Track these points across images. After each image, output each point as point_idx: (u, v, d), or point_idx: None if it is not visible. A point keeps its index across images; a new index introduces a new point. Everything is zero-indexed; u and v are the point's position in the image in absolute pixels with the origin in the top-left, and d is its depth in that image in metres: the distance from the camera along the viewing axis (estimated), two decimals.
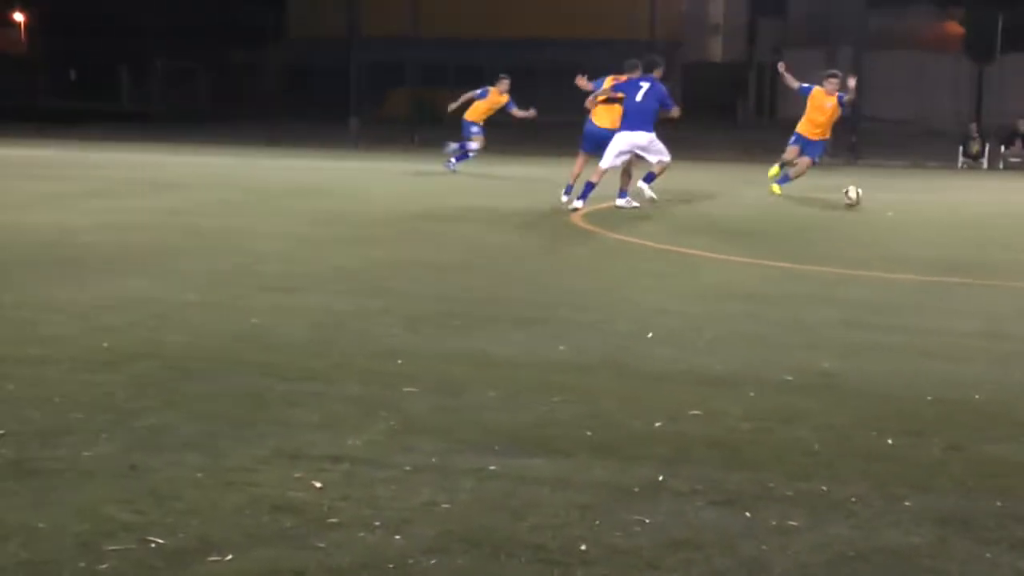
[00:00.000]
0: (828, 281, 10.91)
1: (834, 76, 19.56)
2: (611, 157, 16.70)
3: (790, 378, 6.98)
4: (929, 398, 6.58)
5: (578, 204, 16.42)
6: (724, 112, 54.46)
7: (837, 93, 19.01)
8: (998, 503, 4.88)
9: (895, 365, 7.42)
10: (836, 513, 4.74)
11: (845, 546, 4.41)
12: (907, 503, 4.86)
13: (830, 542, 4.45)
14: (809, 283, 10.80)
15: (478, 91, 24.10)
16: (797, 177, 19.55)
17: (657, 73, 17.01)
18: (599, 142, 17.14)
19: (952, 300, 10.02)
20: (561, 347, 7.71)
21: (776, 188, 19.72)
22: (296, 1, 61.45)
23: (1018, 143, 30.77)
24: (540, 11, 58.00)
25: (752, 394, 6.59)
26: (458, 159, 24.00)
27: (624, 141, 16.71)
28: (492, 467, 5.20)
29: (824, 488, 5.02)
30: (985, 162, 30.67)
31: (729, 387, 6.75)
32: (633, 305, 9.34)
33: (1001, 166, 30.46)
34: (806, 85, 19.51)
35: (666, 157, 16.96)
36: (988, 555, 4.35)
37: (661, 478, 5.10)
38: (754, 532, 4.53)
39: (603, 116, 17.32)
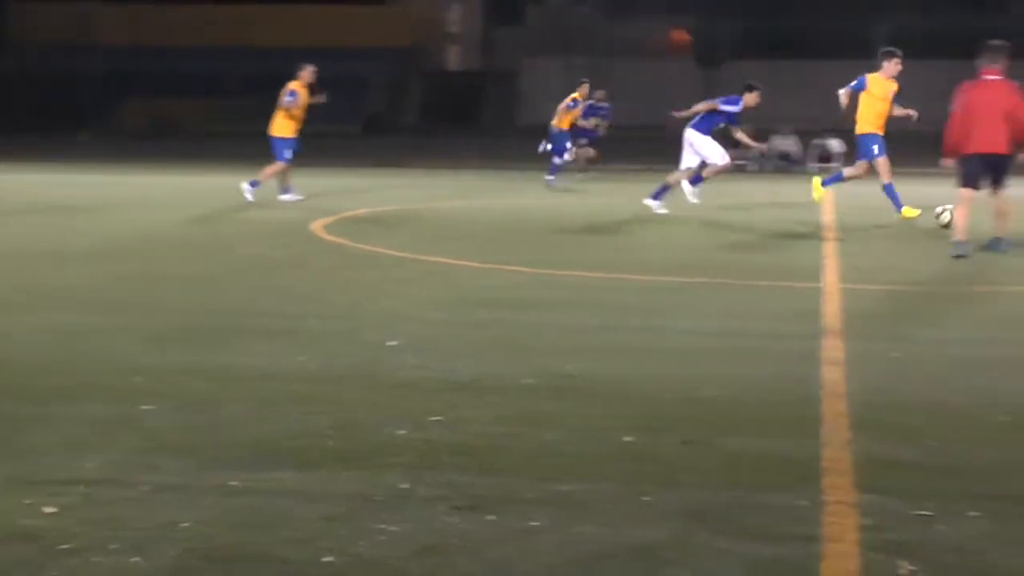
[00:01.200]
0: (575, 285, 11.08)
1: (893, 55, 16.58)
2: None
3: (535, 381, 7.05)
4: (669, 396, 6.74)
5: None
6: (464, 120, 54.97)
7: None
8: (733, 494, 5.02)
9: (636, 365, 7.58)
10: (580, 512, 4.81)
11: (590, 545, 4.48)
12: (649, 499, 4.96)
13: (575, 541, 4.50)
14: (555, 287, 10.95)
15: (568, 103, 25.20)
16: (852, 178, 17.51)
17: (748, 98, 17.71)
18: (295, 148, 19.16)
19: (692, 300, 10.29)
20: (308, 358, 7.62)
21: (911, 212, 16.46)
22: (20, 5, 59.03)
23: (739, 147, 31.99)
24: (282, 20, 57.51)
25: (497, 399, 6.64)
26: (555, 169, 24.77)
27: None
28: (236, 482, 5.10)
29: (568, 488, 5.08)
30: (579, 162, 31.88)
31: (474, 392, 6.78)
32: (380, 314, 9.32)
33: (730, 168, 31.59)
34: (853, 83, 16.51)
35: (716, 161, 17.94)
36: (725, 545, 4.47)
37: (407, 486, 5.08)
38: (500, 535, 4.55)
39: (284, 126, 19.24)
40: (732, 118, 17.91)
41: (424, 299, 10.07)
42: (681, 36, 58.18)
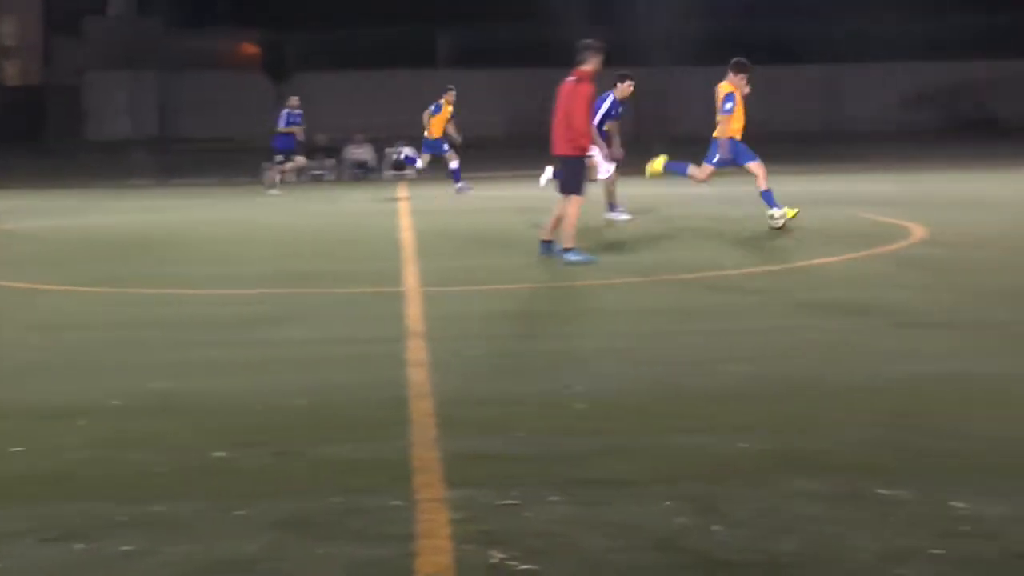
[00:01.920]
0: (154, 301, 10.85)
1: (746, 67, 15.53)
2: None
3: (122, 403, 6.86)
4: (259, 408, 6.71)
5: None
6: (27, 137, 52.58)
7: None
8: (328, 501, 5.06)
9: (225, 380, 7.51)
10: (175, 532, 4.72)
11: (186, 564, 4.40)
12: (243, 512, 4.93)
13: (171, 562, 4.42)
14: (136, 305, 10.68)
15: (432, 107, 23.74)
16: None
17: (619, 89, 17.18)
18: None
19: (278, 310, 10.25)
20: None
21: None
22: None
23: (319, 156, 32.25)
24: None
25: (83, 423, 6.42)
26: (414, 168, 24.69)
27: None
28: None
29: (161, 509, 4.98)
30: (291, 176, 31.87)
31: (59, 418, 6.53)
32: None
33: (306, 179, 31.77)
34: (728, 106, 15.31)
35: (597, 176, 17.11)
36: (322, 551, 4.50)
37: None
38: (92, 563, 4.42)
39: None
40: (614, 114, 17.25)
41: None
42: (250, 48, 57.81)
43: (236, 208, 22.48)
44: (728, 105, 15.30)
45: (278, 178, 26.61)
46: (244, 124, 47.02)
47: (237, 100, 48.89)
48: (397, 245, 14.99)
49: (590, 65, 12.79)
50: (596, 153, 16.65)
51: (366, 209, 21.48)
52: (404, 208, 20.97)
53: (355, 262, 13.70)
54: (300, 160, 27.35)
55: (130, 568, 4.37)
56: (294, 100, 27.05)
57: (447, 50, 53.35)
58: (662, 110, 43.59)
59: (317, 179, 31.16)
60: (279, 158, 26.99)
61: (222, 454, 5.79)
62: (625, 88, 17.25)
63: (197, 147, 40.01)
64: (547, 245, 12.92)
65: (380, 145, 33.22)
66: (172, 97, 51.73)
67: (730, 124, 15.33)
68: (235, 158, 35.53)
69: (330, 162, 32.15)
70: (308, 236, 16.82)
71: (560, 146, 12.84)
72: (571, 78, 12.84)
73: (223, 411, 6.68)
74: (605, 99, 17.08)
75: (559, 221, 12.83)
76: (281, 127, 26.63)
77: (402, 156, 31.25)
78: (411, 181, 29.30)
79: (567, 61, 13.16)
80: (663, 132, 32.51)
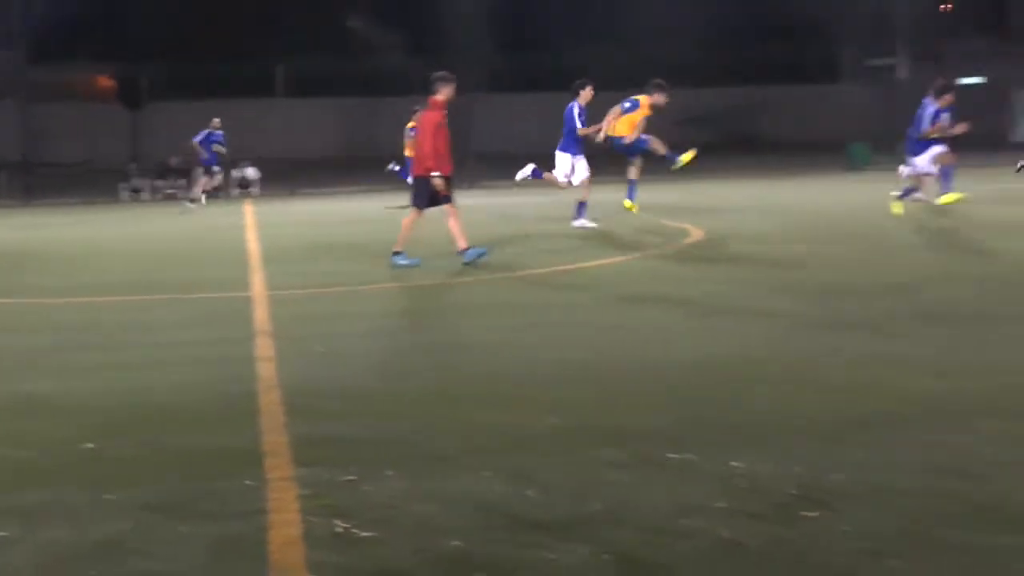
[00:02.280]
0: (18, 310, 10.51)
1: (663, 88, 16.60)
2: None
3: None
4: (125, 404, 6.55)
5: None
6: None
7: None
8: (188, 485, 4.98)
9: (93, 380, 7.31)
10: (48, 518, 4.59)
11: (60, 547, 4.30)
12: (111, 497, 4.82)
13: (47, 544, 4.31)
14: (8, 314, 10.32)
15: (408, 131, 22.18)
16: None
17: (581, 96, 16.53)
18: None
19: (141, 316, 10.02)
20: None
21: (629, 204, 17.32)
22: None
23: (171, 177, 31.66)
24: None
25: None
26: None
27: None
28: None
29: (36, 498, 4.84)
30: (147, 195, 31.20)
31: None
32: None
33: (160, 197, 31.13)
34: (628, 104, 16.59)
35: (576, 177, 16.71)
36: (185, 530, 4.43)
37: None
38: None
39: None
40: (582, 120, 16.49)
41: None
42: (106, 80, 56.22)
43: (96, 224, 21.86)
44: (626, 105, 16.57)
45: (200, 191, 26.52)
46: (102, 149, 45.75)
47: (95, 128, 47.47)
48: (244, 255, 14.78)
49: (441, 95, 12.73)
50: (567, 160, 16.69)
51: (215, 223, 21.09)
52: (250, 222, 20.67)
53: (206, 270, 13.45)
54: (214, 178, 26.95)
55: (9, 552, 4.24)
56: (216, 121, 26.52)
57: (284, 81, 52.67)
58: (469, 130, 43.83)
59: (170, 197, 30.52)
60: (215, 169, 26.91)
61: (90, 446, 5.65)
62: (587, 94, 16.55)
63: (59, 171, 38.76)
64: (462, 252, 12.62)
65: (227, 167, 32.68)
66: (34, 125, 50.01)
67: (616, 126, 16.48)
68: (93, 180, 34.56)
69: (182, 182, 31.52)
70: (163, 248, 16.45)
71: (413, 167, 13.12)
72: (425, 107, 12.85)
73: (88, 408, 6.51)
74: (572, 109, 16.61)
75: (457, 228, 12.68)
76: (197, 141, 26.32)
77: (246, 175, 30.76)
78: (255, 198, 28.89)
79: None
80: (471, 150, 32.69)
